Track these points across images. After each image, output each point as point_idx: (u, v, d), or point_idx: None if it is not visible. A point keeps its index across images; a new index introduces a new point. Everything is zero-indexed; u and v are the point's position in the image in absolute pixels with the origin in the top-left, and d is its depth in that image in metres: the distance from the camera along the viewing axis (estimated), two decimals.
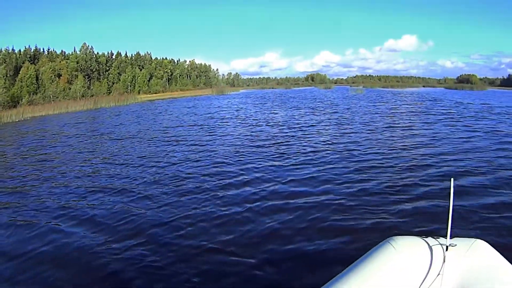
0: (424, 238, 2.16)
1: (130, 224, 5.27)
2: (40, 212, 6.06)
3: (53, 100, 63.63)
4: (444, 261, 1.98)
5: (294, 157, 9.20)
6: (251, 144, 11.26)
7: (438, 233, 2.34)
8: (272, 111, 23.76)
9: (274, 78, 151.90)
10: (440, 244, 2.08)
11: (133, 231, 4.99)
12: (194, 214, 5.52)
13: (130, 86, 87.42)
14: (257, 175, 7.58)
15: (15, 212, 6.20)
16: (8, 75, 68.64)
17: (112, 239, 4.80)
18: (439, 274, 1.95)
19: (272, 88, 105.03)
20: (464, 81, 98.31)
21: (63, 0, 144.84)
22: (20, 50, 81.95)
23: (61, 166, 9.82)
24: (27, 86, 69.54)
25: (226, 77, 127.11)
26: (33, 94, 68.22)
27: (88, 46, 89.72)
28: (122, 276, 3.81)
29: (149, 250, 4.33)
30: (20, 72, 71.70)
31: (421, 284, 1.94)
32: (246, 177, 7.46)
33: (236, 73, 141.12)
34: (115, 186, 7.32)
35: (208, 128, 16.00)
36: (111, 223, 5.36)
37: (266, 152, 9.97)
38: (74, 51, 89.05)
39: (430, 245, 2.08)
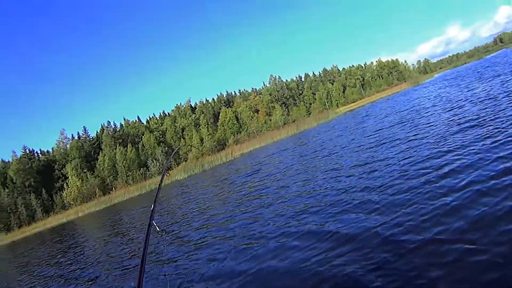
0: None
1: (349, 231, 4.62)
2: (267, 233, 5.83)
3: (257, 135, 64.35)
4: None
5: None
6: (457, 128, 8.88)
7: None
8: (470, 88, 19.35)
9: (463, 52, 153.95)
10: None
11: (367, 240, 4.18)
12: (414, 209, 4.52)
13: (327, 102, 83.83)
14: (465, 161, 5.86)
15: (244, 235, 6.19)
16: (209, 123, 74.94)
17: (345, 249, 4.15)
18: None
19: (464, 63, 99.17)
20: None
21: (247, 44, 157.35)
22: (213, 99, 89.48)
23: (278, 192, 9.06)
24: (230, 128, 74.24)
25: (416, 66, 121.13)
26: (236, 133, 72.50)
27: (276, 77, 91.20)
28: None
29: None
30: (220, 117, 76.62)
31: None
32: (453, 164, 5.89)
33: (425, 59, 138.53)
34: (331, 200, 6.46)
35: (410, 122, 13.40)
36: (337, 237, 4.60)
37: (473, 134, 7.64)
38: (264, 85, 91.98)
39: None
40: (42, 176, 61.10)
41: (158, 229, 2.76)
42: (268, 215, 7.00)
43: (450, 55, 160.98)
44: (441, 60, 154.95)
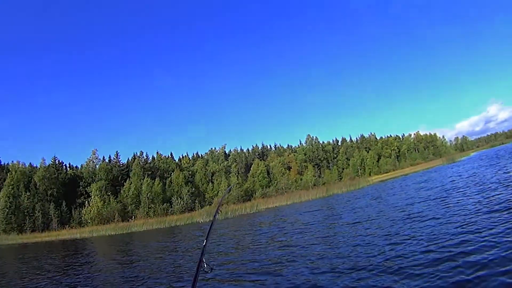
0: None
1: None
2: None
3: (285, 192, 64.02)
4: None
5: None
6: (486, 210, 9.18)
7: None
8: (506, 170, 19.93)
9: (501, 132, 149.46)
10: None
11: None
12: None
13: (360, 169, 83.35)
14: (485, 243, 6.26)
15: None
16: (239, 172, 76.13)
17: None
18: None
19: (502, 143, 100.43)
20: None
21: (284, 98, 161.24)
22: (248, 149, 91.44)
23: (302, 250, 9.47)
24: (259, 181, 74.79)
25: (453, 142, 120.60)
26: (265, 187, 72.74)
27: (313, 137, 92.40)
28: None
29: None
30: (251, 168, 77.41)
31: None
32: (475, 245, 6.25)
33: (463, 136, 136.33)
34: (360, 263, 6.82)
35: (440, 201, 13.44)
36: None
37: (500, 219, 7.89)
38: (300, 143, 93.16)
39: None
40: (66, 188, 62.38)
41: (206, 266, 2.66)
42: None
43: (489, 134, 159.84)
44: (479, 138, 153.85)
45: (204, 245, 2.93)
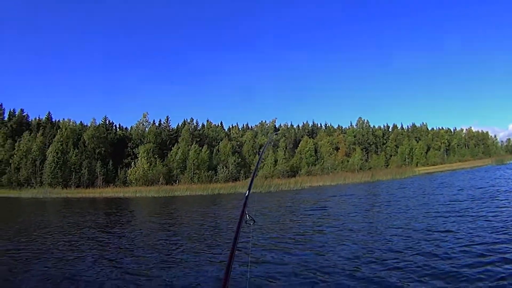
0: None
1: None
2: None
3: (331, 172, 65.38)
4: None
5: None
6: None
7: None
8: None
9: None
10: None
11: None
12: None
13: (407, 158, 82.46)
14: None
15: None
16: (287, 148, 76.81)
17: None
18: None
19: None
20: None
21: (340, 79, 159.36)
22: (298, 125, 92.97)
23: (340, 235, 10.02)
24: (306, 158, 76.08)
25: (505, 143, 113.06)
26: (311, 165, 74.01)
27: (364, 120, 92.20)
28: None
29: None
30: (300, 145, 78.80)
31: None
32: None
33: None
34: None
35: (483, 201, 14.15)
36: None
37: None
38: (351, 125, 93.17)
39: None
40: (114, 148, 64.12)
41: (248, 218, 2.70)
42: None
43: None
44: None
45: (247, 196, 2.99)
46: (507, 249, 6.90)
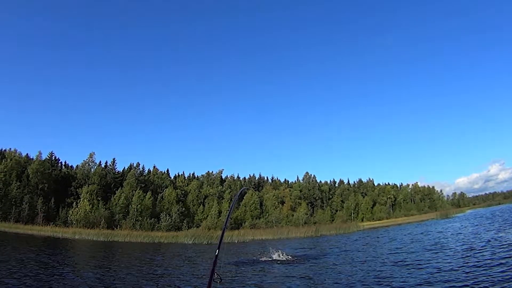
0: None
1: None
2: None
3: (275, 225, 63.36)
4: None
5: None
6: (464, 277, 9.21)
7: None
8: (499, 232, 20.21)
9: (500, 192, 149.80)
10: None
11: None
12: None
13: (353, 213, 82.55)
14: None
15: None
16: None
17: None
18: None
19: (499, 203, 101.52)
20: None
21: (285, 137, 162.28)
22: (245, 178, 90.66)
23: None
24: (251, 211, 73.98)
25: (451, 198, 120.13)
26: (256, 218, 72.02)
27: (311, 175, 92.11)
28: None
29: None
30: (245, 197, 76.26)
31: None
32: None
33: (461, 192, 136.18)
34: None
35: (425, 259, 13.35)
36: None
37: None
38: (297, 179, 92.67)
39: None
40: (58, 186, 61.59)
41: (216, 276, 2.73)
42: None
43: (487, 193, 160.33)
44: (476, 196, 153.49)
45: (216, 255, 2.99)
46: None
